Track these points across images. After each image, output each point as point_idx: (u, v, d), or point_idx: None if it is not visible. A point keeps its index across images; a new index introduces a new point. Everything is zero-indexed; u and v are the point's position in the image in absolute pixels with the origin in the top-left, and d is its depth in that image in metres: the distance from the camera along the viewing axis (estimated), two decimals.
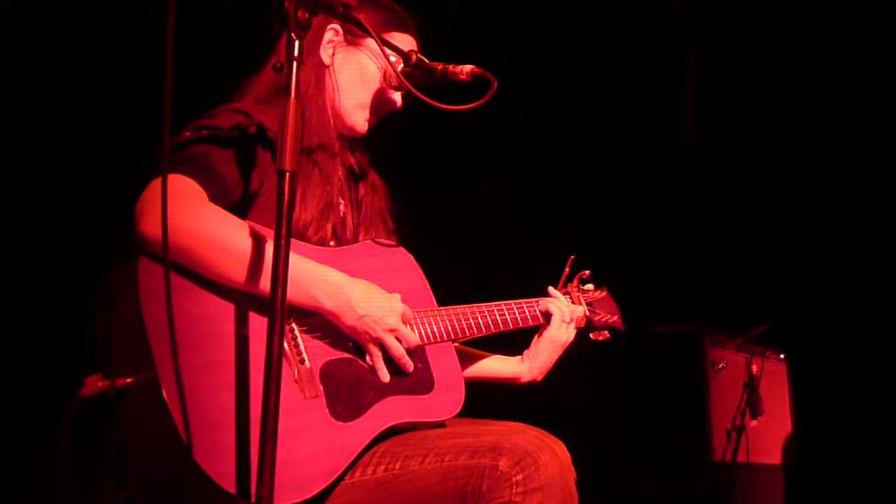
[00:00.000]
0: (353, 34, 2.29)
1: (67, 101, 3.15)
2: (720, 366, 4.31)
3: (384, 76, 2.31)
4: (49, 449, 1.92)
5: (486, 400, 2.38)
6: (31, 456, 2.93)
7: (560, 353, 2.53)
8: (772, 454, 4.46)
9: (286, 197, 1.69)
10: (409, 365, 2.14)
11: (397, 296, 2.13)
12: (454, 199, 4.20)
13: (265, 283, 1.88)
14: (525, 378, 2.55)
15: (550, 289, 2.59)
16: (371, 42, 2.24)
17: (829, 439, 4.99)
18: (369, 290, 2.07)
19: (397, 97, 2.35)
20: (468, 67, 2.17)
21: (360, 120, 2.33)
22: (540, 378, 2.55)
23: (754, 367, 4.34)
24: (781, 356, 4.65)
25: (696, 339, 4.32)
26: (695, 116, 5.22)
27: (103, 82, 3.20)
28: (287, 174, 1.70)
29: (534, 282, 2.60)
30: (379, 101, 2.34)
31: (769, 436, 4.42)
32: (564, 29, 4.71)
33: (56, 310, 3.01)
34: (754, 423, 4.27)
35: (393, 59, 2.19)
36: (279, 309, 1.66)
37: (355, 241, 2.31)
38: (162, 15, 1.65)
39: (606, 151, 4.86)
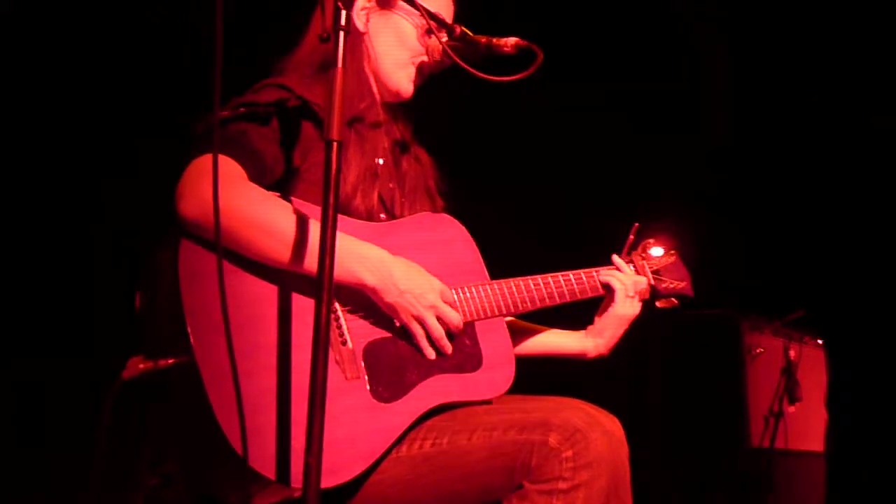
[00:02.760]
0: None
1: (108, 80, 3.18)
2: (757, 350, 4.27)
3: (428, 50, 2.29)
4: (93, 428, 1.90)
5: (527, 378, 2.34)
6: (75, 435, 2.94)
7: (626, 326, 2.48)
8: (811, 441, 4.42)
9: (333, 167, 1.67)
10: (448, 347, 2.10)
11: (436, 280, 2.09)
12: (507, 173, 4.21)
13: (309, 263, 1.87)
14: (591, 354, 2.51)
15: (614, 257, 2.52)
16: (401, 2, 2.22)
17: (868, 427, 4.93)
18: (409, 267, 2.05)
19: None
20: (513, 40, 2.15)
21: (404, 81, 2.31)
22: (607, 353, 2.51)
23: (792, 353, 4.29)
24: (819, 341, 4.60)
25: (733, 323, 4.28)
26: (731, 96, 5.17)
27: (141, 59, 3.22)
28: (334, 144, 1.68)
29: (579, 255, 2.54)
30: (419, 60, 2.31)
31: (808, 422, 4.38)
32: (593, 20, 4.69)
33: (99, 292, 3.01)
34: (792, 409, 4.23)
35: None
36: (327, 280, 1.64)
37: (402, 214, 2.28)
38: None
39: (641, 128, 4.84)
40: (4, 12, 3.08)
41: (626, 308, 2.46)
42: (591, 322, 2.52)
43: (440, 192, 2.40)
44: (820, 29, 4.91)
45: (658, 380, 4.47)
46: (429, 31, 2.25)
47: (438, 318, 2.08)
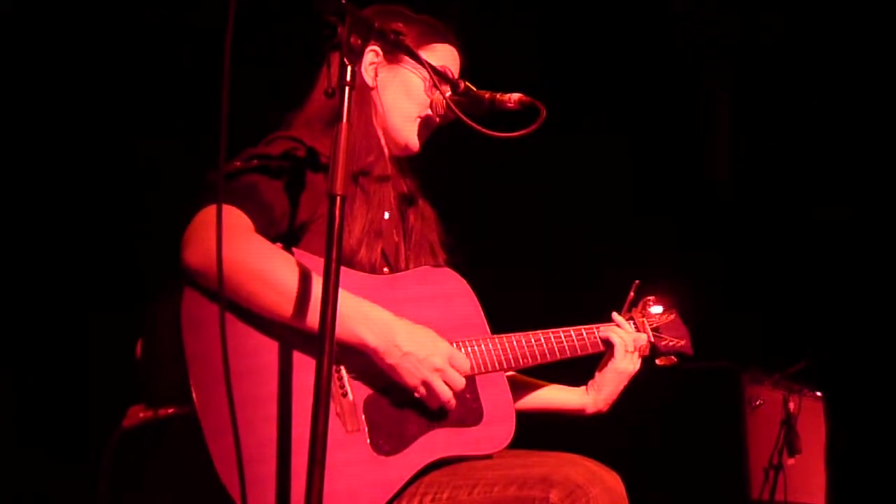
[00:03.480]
0: (392, 53, 2.28)
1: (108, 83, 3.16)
2: (757, 402, 4.24)
3: (431, 104, 2.31)
4: (92, 480, 1.89)
5: (526, 430, 2.34)
6: (75, 486, 2.90)
7: (626, 383, 2.49)
8: (811, 493, 4.37)
9: (336, 221, 1.69)
10: (452, 406, 2.08)
11: (443, 340, 2.08)
12: (508, 225, 4.22)
13: (311, 318, 1.86)
14: (590, 410, 2.51)
15: (614, 315, 2.53)
16: (408, 57, 2.22)
17: (867, 481, 4.90)
18: (414, 329, 2.03)
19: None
20: (516, 96, 2.17)
21: (411, 135, 2.32)
22: (606, 409, 2.51)
23: (791, 405, 4.27)
24: (818, 393, 4.57)
25: (734, 376, 4.25)
26: (725, 141, 5.19)
27: (141, 60, 3.21)
28: (338, 198, 1.70)
29: (586, 309, 2.56)
30: (426, 113, 2.33)
31: (808, 474, 4.34)
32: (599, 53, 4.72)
33: (101, 339, 3.00)
34: (792, 461, 4.19)
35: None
36: (329, 335, 1.65)
37: (405, 268, 2.29)
38: (213, 41, 1.65)
39: (640, 178, 4.88)
40: (4, 12, 3.09)
41: (625, 364, 2.46)
42: (590, 377, 2.52)
43: (443, 246, 2.40)
44: (824, 64, 4.93)
45: (658, 432, 4.43)
46: (434, 86, 2.27)
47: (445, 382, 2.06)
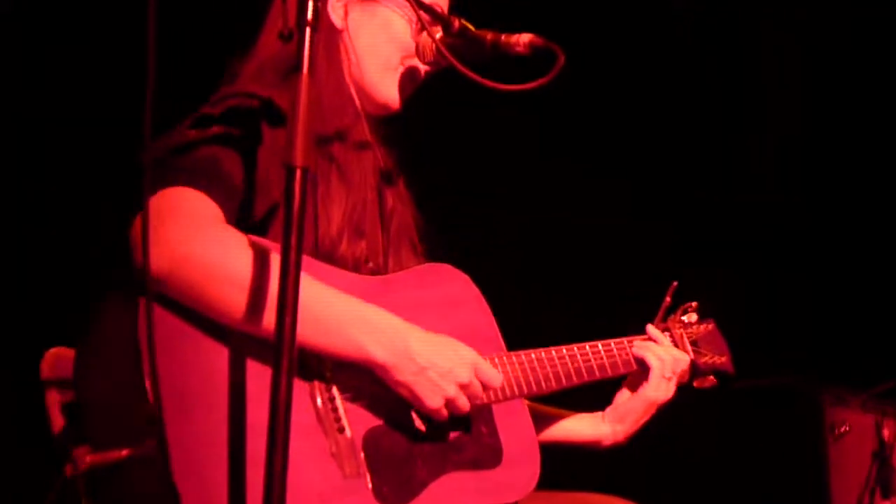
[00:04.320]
0: None
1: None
2: (842, 430, 4.22)
3: (417, 49, 2.28)
4: None
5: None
6: None
7: (654, 412, 2.49)
8: None
9: (296, 200, 1.65)
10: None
11: (466, 346, 2.07)
12: (512, 211, 4.26)
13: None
14: (607, 442, 2.53)
15: (649, 328, 2.54)
16: None
17: None
18: (429, 337, 2.02)
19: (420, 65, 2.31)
20: (526, 37, 2.13)
21: (391, 89, 2.30)
22: (624, 441, 2.53)
23: (886, 432, 4.24)
24: None
25: (811, 395, 4.24)
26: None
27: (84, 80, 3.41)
28: (298, 171, 1.66)
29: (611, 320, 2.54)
30: (411, 62, 2.30)
31: None
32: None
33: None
34: (887, 503, 4.17)
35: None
36: (286, 343, 1.61)
37: (385, 265, 2.27)
38: None
39: (691, 171, 4.99)
40: (4, 12, 3.33)
41: (659, 391, 2.46)
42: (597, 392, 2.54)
43: (420, 235, 2.39)
44: None
45: (715, 466, 4.44)
46: (421, 26, 2.23)
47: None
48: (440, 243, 2.41)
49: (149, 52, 1.60)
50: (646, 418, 2.50)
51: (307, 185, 1.67)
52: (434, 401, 1.99)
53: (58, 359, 2.10)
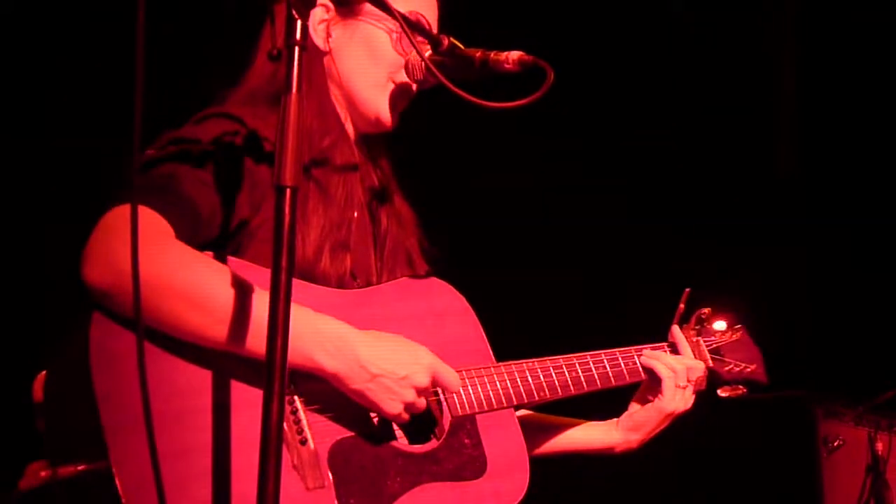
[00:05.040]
0: (347, 4, 2.24)
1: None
2: (836, 443, 4.22)
3: (407, 66, 2.28)
4: None
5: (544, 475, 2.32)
6: None
7: (670, 422, 2.48)
8: None
9: (286, 219, 1.65)
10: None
11: (423, 348, 2.07)
12: (512, 222, 4.29)
13: (253, 343, 1.85)
14: (619, 448, 2.53)
15: (674, 330, 2.52)
16: (368, 6, 2.19)
17: None
18: (380, 340, 2.02)
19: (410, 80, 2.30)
20: (515, 54, 2.13)
21: (381, 106, 2.29)
22: (637, 447, 2.53)
23: (879, 445, 4.24)
24: None
25: (805, 408, 4.24)
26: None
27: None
28: (287, 190, 1.66)
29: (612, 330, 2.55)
30: (400, 79, 2.29)
31: None
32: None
33: None
34: None
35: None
36: (278, 364, 1.61)
37: (379, 282, 2.26)
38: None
39: (697, 181, 5.00)
40: (4, 12, 3.35)
41: (675, 402, 2.45)
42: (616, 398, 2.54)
43: (424, 255, 2.38)
44: None
45: (711, 480, 4.44)
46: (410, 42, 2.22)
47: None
48: (442, 258, 2.42)
49: (137, 74, 1.60)
50: (661, 428, 2.50)
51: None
52: (392, 406, 2.00)
53: None
